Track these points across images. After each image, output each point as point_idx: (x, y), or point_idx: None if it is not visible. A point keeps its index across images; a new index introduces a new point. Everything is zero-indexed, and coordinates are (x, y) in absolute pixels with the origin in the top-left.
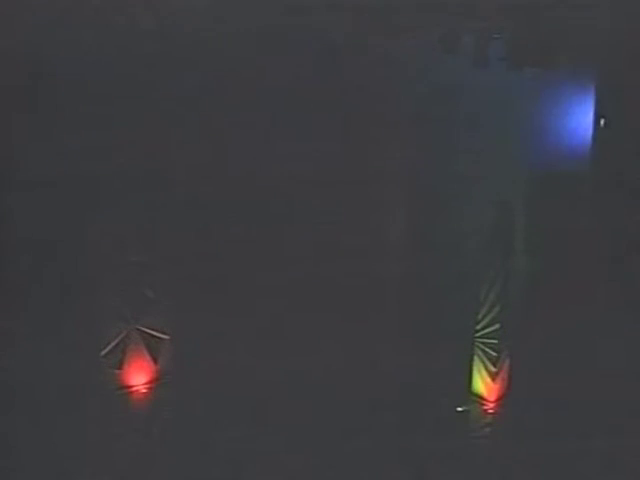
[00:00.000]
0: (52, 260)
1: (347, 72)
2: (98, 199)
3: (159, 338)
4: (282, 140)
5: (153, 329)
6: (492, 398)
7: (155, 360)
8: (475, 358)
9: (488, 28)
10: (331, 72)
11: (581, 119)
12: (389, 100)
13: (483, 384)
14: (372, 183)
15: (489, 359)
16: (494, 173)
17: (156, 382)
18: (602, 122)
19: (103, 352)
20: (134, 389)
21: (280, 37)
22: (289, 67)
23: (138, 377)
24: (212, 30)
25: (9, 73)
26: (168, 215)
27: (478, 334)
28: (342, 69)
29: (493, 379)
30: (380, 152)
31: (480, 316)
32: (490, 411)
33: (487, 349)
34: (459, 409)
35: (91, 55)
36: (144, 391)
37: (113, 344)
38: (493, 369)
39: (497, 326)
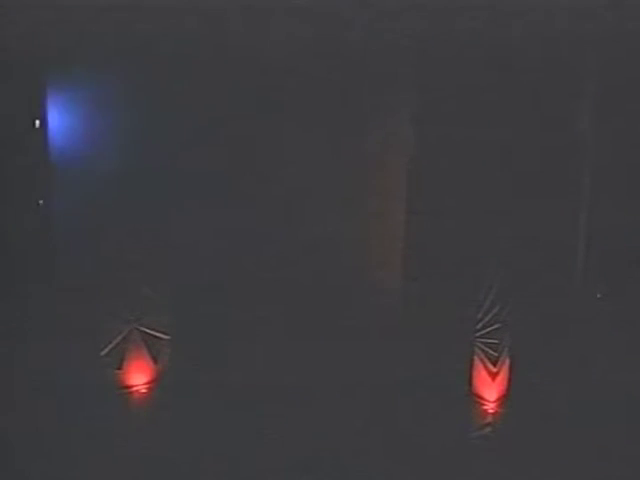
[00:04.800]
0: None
1: None
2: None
3: (159, 338)
4: None
5: (153, 329)
6: (492, 398)
7: (155, 360)
8: (475, 358)
9: None
10: None
11: None
12: None
13: (483, 384)
14: None
15: (489, 359)
16: None
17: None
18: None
19: (103, 352)
20: (134, 389)
21: None
22: None
23: (138, 377)
24: None
25: None
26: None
27: (478, 334)
28: None
29: (493, 379)
30: None
31: (480, 316)
32: (490, 411)
33: (487, 349)
34: None
35: None
36: (144, 391)
37: (113, 344)
38: (493, 369)
39: (497, 326)
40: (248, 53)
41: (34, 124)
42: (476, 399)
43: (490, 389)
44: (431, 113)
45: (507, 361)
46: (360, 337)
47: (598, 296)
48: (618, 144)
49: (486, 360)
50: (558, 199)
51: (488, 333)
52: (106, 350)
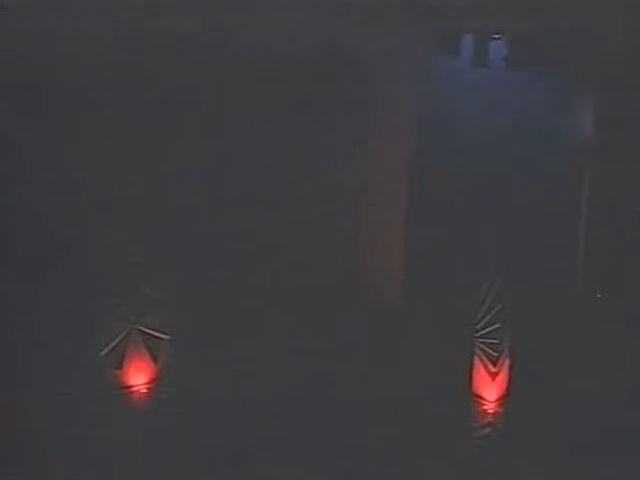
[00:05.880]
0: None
1: None
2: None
3: (159, 338)
4: None
5: (153, 329)
6: (492, 398)
7: (155, 360)
8: (475, 358)
9: None
10: None
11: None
12: None
13: (483, 384)
14: None
15: (489, 359)
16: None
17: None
18: None
19: (103, 352)
20: (134, 389)
21: None
22: None
23: (138, 377)
24: None
25: None
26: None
27: (478, 334)
28: None
29: (493, 379)
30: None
31: (480, 316)
32: (490, 411)
33: (487, 349)
34: None
35: None
36: (144, 391)
37: (113, 344)
38: (493, 369)
39: (497, 326)
40: None
41: None
42: (476, 399)
43: (490, 389)
44: (428, 114)
45: (507, 361)
46: (359, 337)
47: (598, 296)
48: (618, 145)
49: (486, 360)
50: (558, 199)
51: (488, 333)
52: (106, 350)
